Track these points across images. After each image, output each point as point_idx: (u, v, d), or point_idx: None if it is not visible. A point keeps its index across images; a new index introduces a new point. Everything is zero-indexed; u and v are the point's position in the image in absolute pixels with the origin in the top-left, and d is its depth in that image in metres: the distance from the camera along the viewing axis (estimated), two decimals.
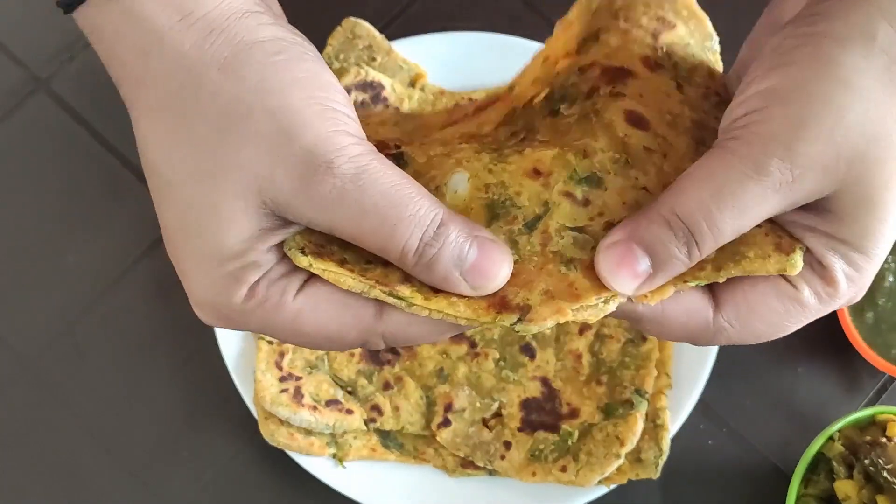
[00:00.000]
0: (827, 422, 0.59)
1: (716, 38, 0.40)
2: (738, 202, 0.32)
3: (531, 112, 0.39)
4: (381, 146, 0.35)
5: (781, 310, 0.35)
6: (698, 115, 0.36)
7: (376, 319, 0.35)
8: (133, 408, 0.67)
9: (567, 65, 0.39)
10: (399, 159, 0.35)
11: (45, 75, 0.71)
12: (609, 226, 0.33)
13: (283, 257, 0.35)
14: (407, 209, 0.32)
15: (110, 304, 0.69)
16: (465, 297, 0.33)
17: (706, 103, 0.37)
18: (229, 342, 0.64)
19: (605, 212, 0.33)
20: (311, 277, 0.35)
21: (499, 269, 0.33)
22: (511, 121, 0.40)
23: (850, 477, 0.57)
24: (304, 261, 0.33)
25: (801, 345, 0.66)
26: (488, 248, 0.33)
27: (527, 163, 0.33)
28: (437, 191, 0.34)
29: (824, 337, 0.66)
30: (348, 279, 0.33)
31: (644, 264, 0.32)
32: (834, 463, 0.58)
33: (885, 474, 0.56)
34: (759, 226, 0.33)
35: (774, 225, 0.34)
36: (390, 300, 0.33)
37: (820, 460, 0.59)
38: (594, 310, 0.32)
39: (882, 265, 0.62)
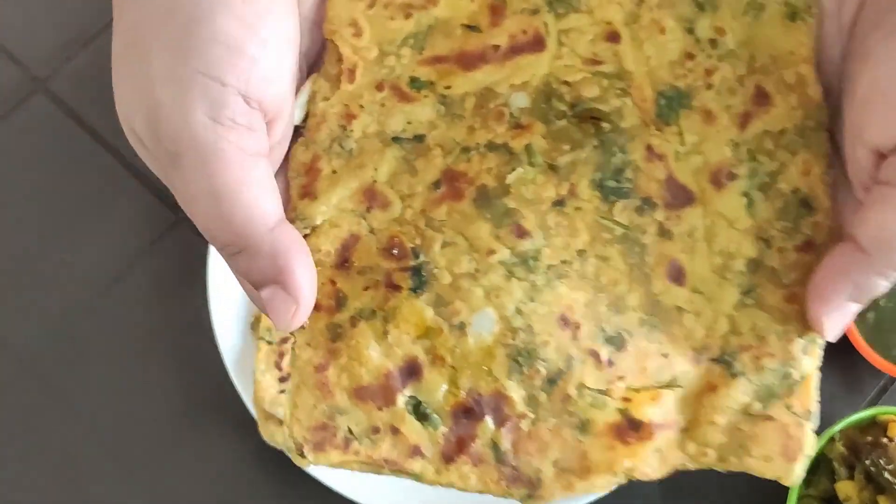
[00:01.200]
0: (828, 422, 0.59)
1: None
2: None
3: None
4: (394, 248, 0.33)
5: None
6: (758, 251, 0.33)
7: None
8: (133, 408, 0.67)
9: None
10: (418, 274, 0.33)
11: (43, 75, 0.71)
12: (627, 388, 0.33)
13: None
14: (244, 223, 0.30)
15: (110, 304, 0.69)
16: (476, 467, 0.33)
17: (781, 212, 0.34)
18: (229, 342, 0.64)
19: (626, 376, 0.33)
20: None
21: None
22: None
23: (851, 478, 0.57)
24: (305, 462, 0.33)
25: None
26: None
27: (558, 306, 0.33)
28: (460, 328, 0.32)
29: None
30: (354, 465, 0.33)
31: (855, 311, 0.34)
32: (835, 464, 0.58)
33: (886, 475, 0.55)
34: (771, 419, 0.33)
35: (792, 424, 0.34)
36: (402, 476, 0.33)
37: (821, 461, 0.59)
38: (604, 486, 0.33)
39: None
